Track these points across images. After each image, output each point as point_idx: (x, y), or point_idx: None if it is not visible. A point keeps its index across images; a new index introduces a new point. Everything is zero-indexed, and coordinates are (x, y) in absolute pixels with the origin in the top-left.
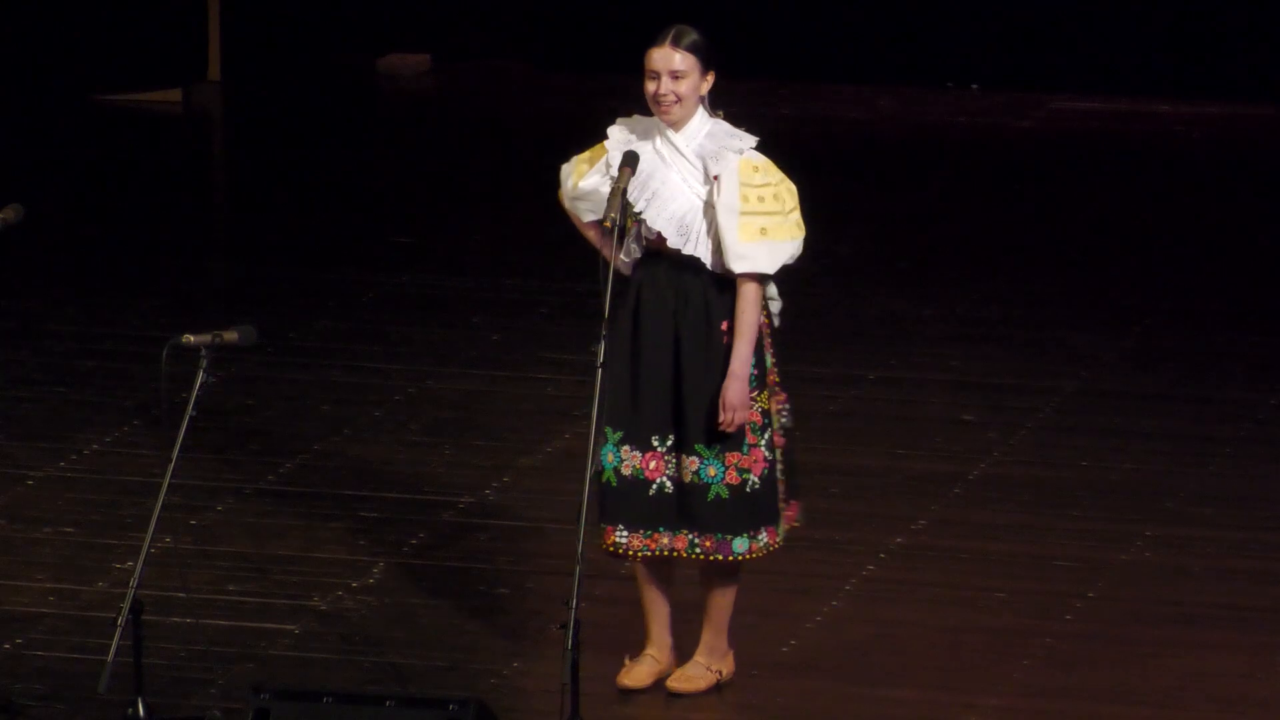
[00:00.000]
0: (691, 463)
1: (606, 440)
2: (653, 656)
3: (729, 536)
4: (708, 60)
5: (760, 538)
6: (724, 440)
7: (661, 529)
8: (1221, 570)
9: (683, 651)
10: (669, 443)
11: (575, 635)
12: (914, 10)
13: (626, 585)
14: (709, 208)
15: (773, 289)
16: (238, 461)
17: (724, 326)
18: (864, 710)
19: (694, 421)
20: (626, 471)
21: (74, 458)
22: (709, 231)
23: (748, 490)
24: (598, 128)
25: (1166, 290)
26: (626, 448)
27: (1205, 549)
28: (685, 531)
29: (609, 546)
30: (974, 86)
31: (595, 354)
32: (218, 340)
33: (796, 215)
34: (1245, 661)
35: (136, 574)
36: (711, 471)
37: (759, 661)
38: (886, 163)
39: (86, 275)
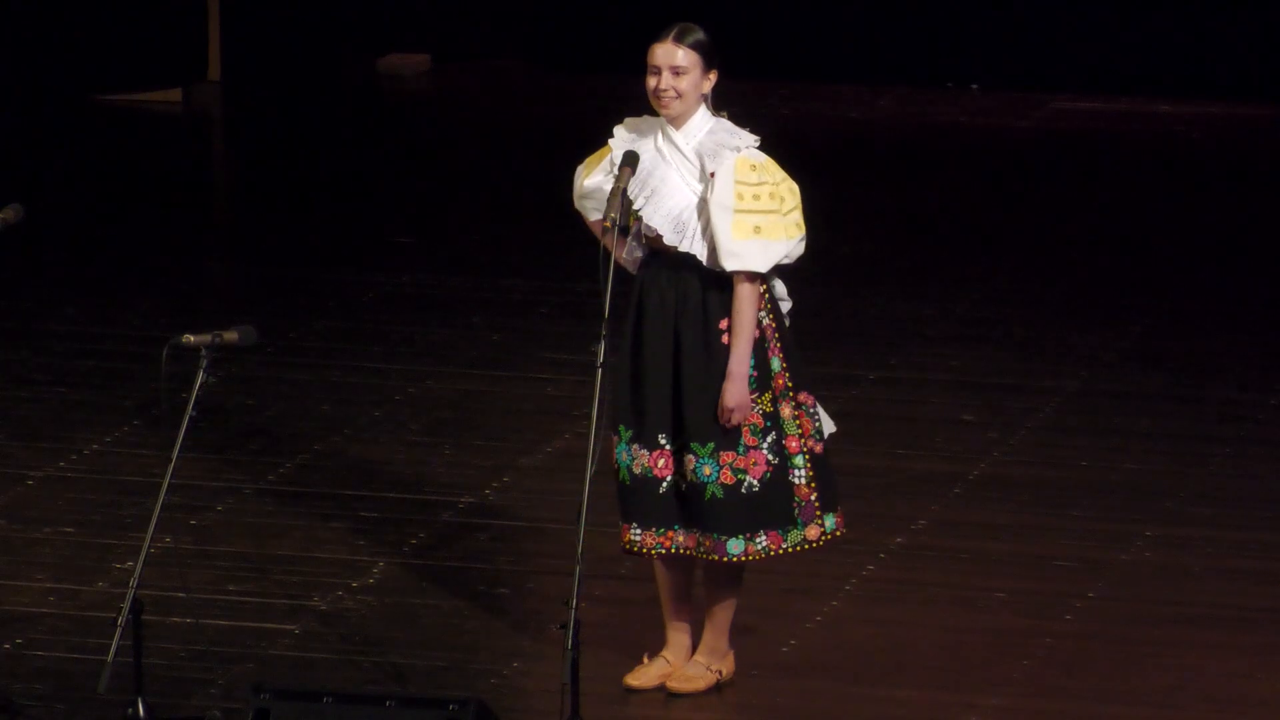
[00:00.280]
0: (689, 461)
1: (620, 439)
2: (665, 659)
3: (724, 537)
4: (710, 58)
5: (759, 541)
6: (719, 439)
7: (676, 527)
8: (1221, 570)
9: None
10: (675, 442)
11: (575, 635)
12: (914, 10)
13: (627, 585)
14: (704, 205)
15: (782, 289)
16: (238, 461)
17: (722, 325)
18: (864, 710)
19: (691, 420)
20: (637, 470)
21: (74, 458)
22: (705, 229)
23: (743, 491)
24: (597, 128)
25: (1166, 290)
26: (636, 446)
27: (1205, 549)
28: (694, 530)
29: (625, 545)
30: (974, 86)
31: (595, 354)
32: (218, 340)
33: (796, 215)
34: (1245, 661)
35: (136, 574)
36: (707, 470)
37: (759, 661)
38: (886, 163)
39: (86, 275)
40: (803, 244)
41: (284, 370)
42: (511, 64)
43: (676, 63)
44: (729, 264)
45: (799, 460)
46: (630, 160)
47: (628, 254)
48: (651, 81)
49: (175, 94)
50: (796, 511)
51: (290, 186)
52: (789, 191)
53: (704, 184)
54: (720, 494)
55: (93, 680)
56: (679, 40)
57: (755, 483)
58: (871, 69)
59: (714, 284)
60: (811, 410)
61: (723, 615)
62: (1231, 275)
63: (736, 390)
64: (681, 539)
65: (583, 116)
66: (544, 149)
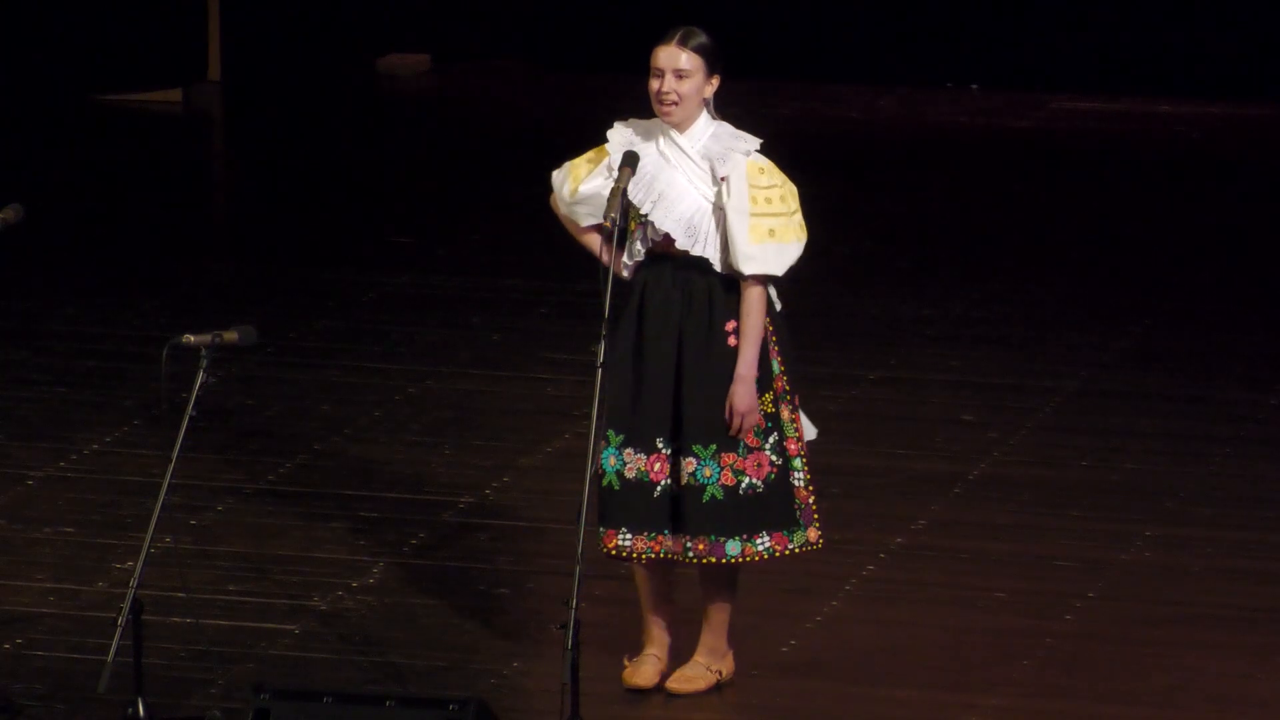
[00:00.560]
0: (689, 464)
1: (608, 444)
2: (655, 655)
3: (722, 538)
4: (713, 63)
5: (759, 542)
6: (720, 441)
7: (666, 532)
8: (1221, 570)
9: (682, 652)
10: (672, 445)
11: (575, 635)
12: (914, 10)
13: (627, 585)
14: (716, 209)
15: (773, 292)
16: (238, 461)
17: (728, 328)
18: (864, 710)
19: (692, 421)
20: (630, 475)
21: (74, 458)
22: (717, 232)
23: (742, 493)
24: (598, 127)
25: (1166, 290)
26: (630, 450)
27: (1205, 549)
28: (682, 535)
29: (611, 550)
30: (974, 86)
31: (595, 354)
32: (218, 340)
33: (799, 217)
34: (1245, 661)
35: (136, 574)
36: (707, 472)
37: (759, 661)
38: (886, 163)
39: (86, 275)
40: (804, 247)
41: (284, 370)
42: (511, 64)
43: (679, 66)
44: (748, 268)
45: (798, 463)
46: (630, 160)
47: (628, 257)
48: (654, 84)
49: (175, 94)
50: (798, 513)
51: (290, 186)
52: (791, 194)
53: (716, 188)
54: (720, 495)
55: (93, 680)
56: (682, 44)
57: (759, 483)
58: (871, 69)
59: (720, 286)
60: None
61: (720, 616)
62: (1231, 275)
63: (746, 393)
64: (669, 544)
65: (583, 116)
66: (544, 149)
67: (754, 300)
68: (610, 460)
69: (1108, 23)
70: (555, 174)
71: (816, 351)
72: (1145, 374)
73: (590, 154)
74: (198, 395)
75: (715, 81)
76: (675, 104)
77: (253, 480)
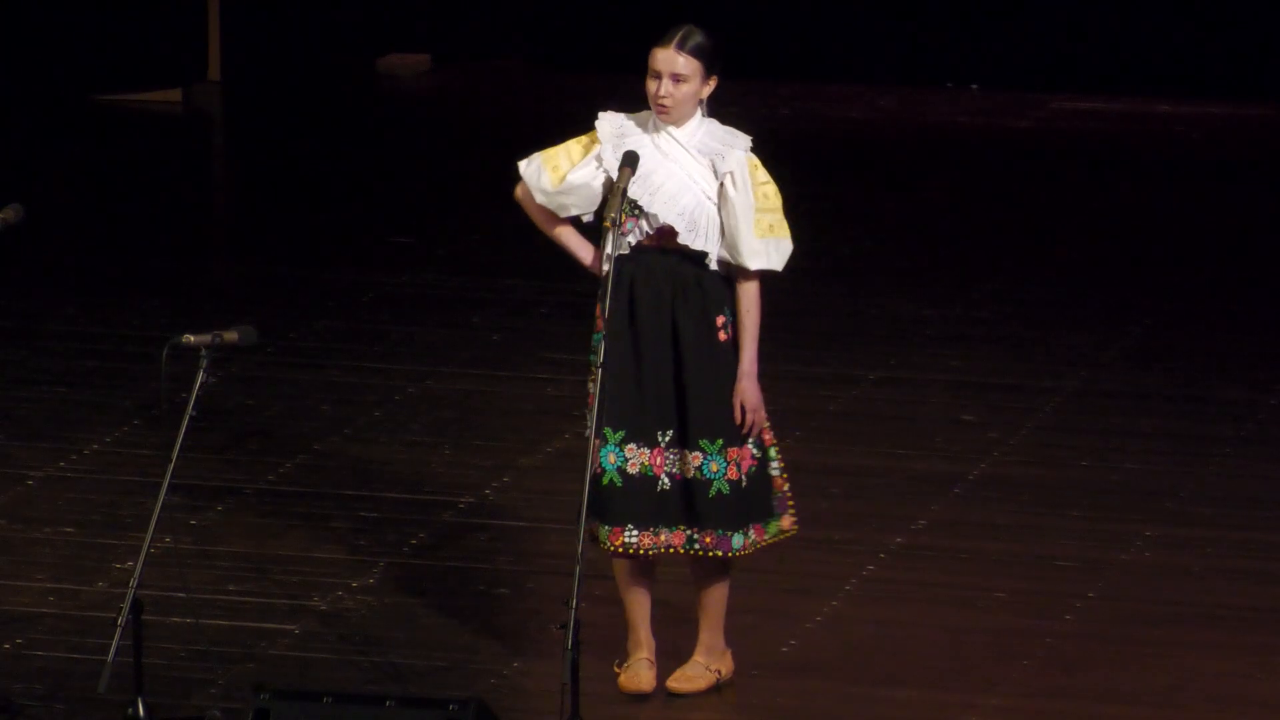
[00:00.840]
0: (695, 458)
1: (605, 442)
2: (648, 659)
3: (729, 533)
4: (711, 64)
5: (750, 534)
6: (726, 435)
7: (661, 525)
8: (1221, 570)
9: (681, 652)
10: (669, 436)
11: (575, 635)
12: (914, 10)
13: None
14: (713, 204)
15: None
16: (238, 461)
17: (719, 321)
18: (864, 710)
19: (696, 415)
20: (634, 470)
21: (74, 458)
22: (717, 226)
23: (744, 486)
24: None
25: (1166, 290)
26: (632, 446)
27: (1205, 549)
28: (683, 527)
29: (618, 547)
30: (974, 86)
31: (594, 352)
32: (218, 340)
33: (784, 216)
34: (1245, 661)
35: (136, 574)
36: (714, 467)
37: (759, 661)
38: (886, 163)
39: (86, 275)
40: None
41: (284, 370)
42: (511, 64)
43: (677, 70)
44: (754, 263)
45: (773, 452)
46: (630, 160)
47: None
48: (652, 86)
49: (175, 94)
50: (774, 503)
51: (290, 186)
52: (778, 193)
53: (716, 183)
54: (726, 490)
55: (93, 680)
56: (680, 47)
57: (745, 477)
58: (871, 69)
59: (709, 278)
60: None
61: (717, 612)
62: (1232, 275)
63: (753, 390)
64: (664, 538)
65: (582, 116)
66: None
67: (754, 296)
68: (610, 458)
69: (1108, 23)
70: (525, 166)
71: (816, 351)
72: (1145, 374)
73: (573, 143)
74: (198, 395)
75: (713, 82)
76: (670, 107)
77: (253, 480)
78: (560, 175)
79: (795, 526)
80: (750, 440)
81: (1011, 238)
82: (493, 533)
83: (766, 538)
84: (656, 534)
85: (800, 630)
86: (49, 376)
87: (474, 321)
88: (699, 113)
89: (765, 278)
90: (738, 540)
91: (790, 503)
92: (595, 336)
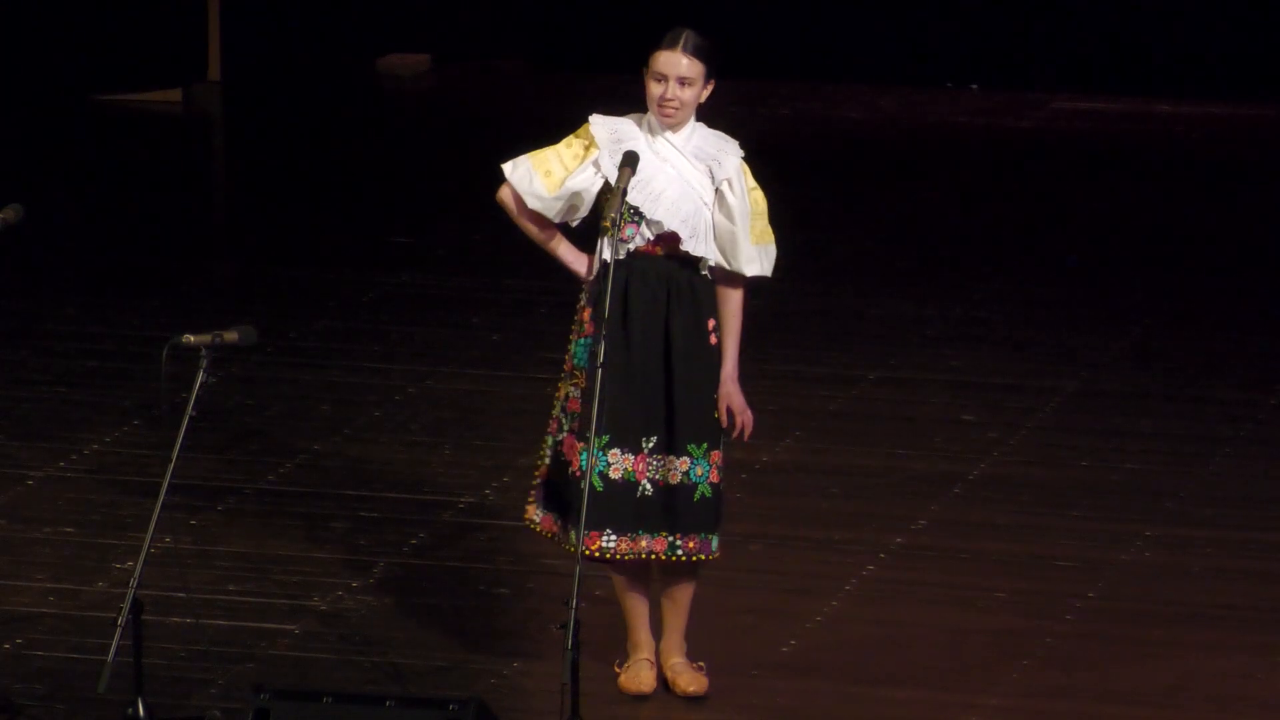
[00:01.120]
0: (682, 463)
1: (592, 445)
2: (648, 660)
3: (710, 536)
4: (713, 68)
5: (719, 536)
6: (710, 439)
7: (641, 531)
8: (1221, 570)
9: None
10: (654, 443)
11: (575, 635)
12: (914, 10)
13: None
14: (709, 209)
15: None
16: (238, 461)
17: (710, 325)
18: (864, 710)
19: (685, 420)
20: (616, 475)
21: (74, 458)
22: (714, 233)
23: (721, 489)
24: None
25: (1166, 290)
26: (616, 451)
27: (1205, 549)
28: (665, 534)
29: (594, 552)
30: (974, 86)
31: (595, 354)
32: (218, 340)
33: None
34: (1245, 661)
35: (136, 574)
36: (699, 471)
37: (759, 661)
38: (886, 163)
39: (86, 275)
40: None
41: (284, 370)
42: (511, 64)
43: (683, 73)
44: (750, 269)
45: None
46: (630, 160)
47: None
48: (657, 90)
49: (175, 94)
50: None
51: (290, 186)
52: (764, 198)
53: (715, 188)
54: (709, 494)
55: (93, 680)
56: (687, 50)
57: (719, 481)
58: (871, 69)
59: (701, 283)
60: None
61: (686, 610)
62: (1231, 275)
63: (739, 392)
64: (645, 544)
65: (582, 117)
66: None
67: (739, 303)
68: (593, 463)
69: (1108, 23)
70: (512, 170)
71: (816, 351)
72: (1145, 374)
73: (563, 148)
74: (197, 395)
75: (711, 85)
76: (677, 110)
77: (253, 480)
78: (557, 181)
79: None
80: (722, 445)
81: (1011, 238)
82: (493, 533)
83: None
84: (635, 540)
85: (800, 630)
86: (49, 376)
87: (474, 321)
88: (693, 117)
89: (753, 284)
90: (715, 543)
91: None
92: (580, 342)
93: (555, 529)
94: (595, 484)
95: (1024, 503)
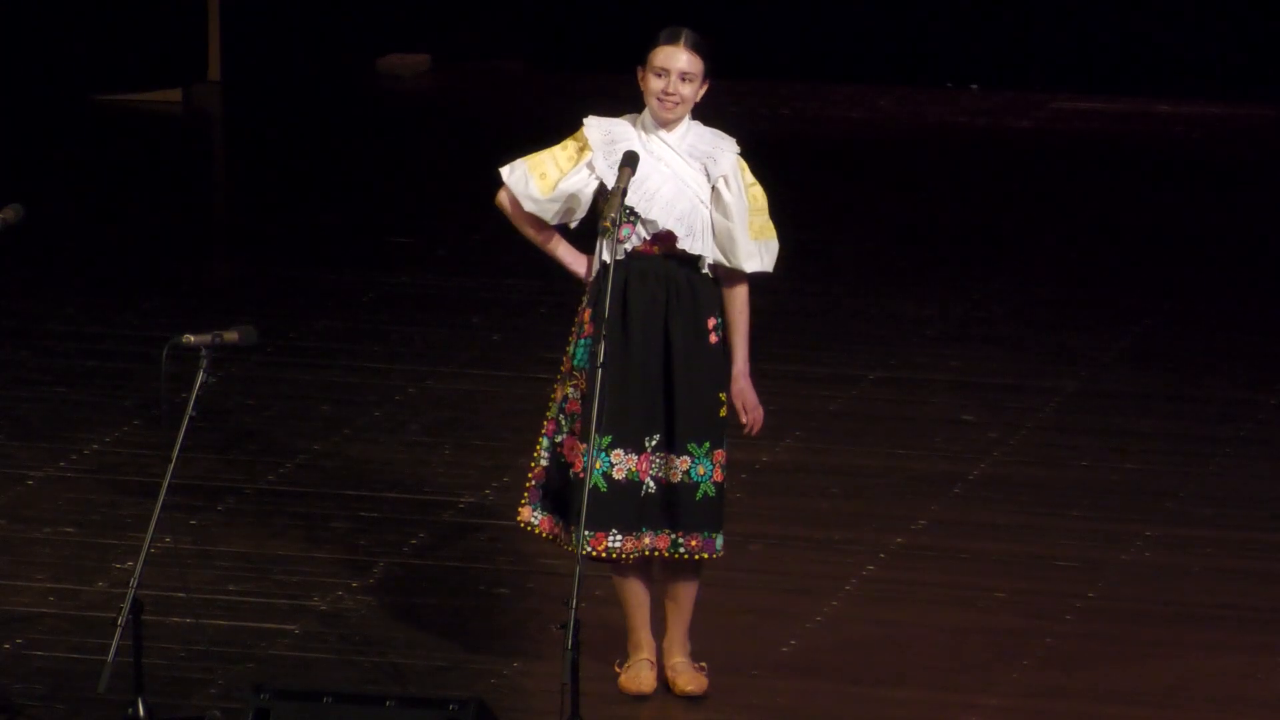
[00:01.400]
0: (683, 462)
1: (594, 446)
2: (649, 660)
3: (713, 534)
4: (711, 65)
5: (723, 535)
6: (713, 438)
7: (644, 529)
8: (1221, 570)
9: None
10: (655, 441)
11: (575, 635)
12: (914, 10)
13: None
14: (706, 207)
15: None
16: (238, 461)
17: (710, 324)
18: (864, 710)
19: (686, 419)
20: (620, 476)
21: (74, 458)
22: (711, 230)
23: (726, 489)
24: None
25: (1166, 290)
26: (619, 451)
27: (1205, 549)
28: (668, 531)
29: (600, 552)
30: (974, 86)
31: (595, 355)
32: (218, 340)
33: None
34: (1245, 661)
35: (136, 574)
36: (701, 470)
37: (759, 661)
38: (886, 163)
39: (86, 275)
40: None
41: (284, 370)
42: (511, 64)
43: (685, 68)
44: (750, 265)
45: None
46: (631, 160)
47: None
48: (658, 84)
49: (175, 94)
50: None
51: (290, 186)
52: (764, 194)
53: (709, 186)
54: (712, 492)
55: (93, 680)
56: (688, 46)
57: (723, 480)
58: (871, 69)
59: (700, 281)
60: None
61: (689, 609)
62: (1231, 275)
63: (751, 390)
64: (649, 541)
65: (582, 117)
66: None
67: (745, 297)
68: (596, 463)
69: (1108, 23)
70: (509, 173)
71: (816, 351)
72: (1145, 374)
73: (559, 150)
74: (198, 395)
75: (707, 85)
76: (678, 104)
77: (253, 480)
78: (550, 183)
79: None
80: (725, 444)
81: (1011, 238)
82: (493, 533)
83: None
84: (639, 538)
85: (800, 630)
86: (49, 376)
87: (474, 321)
88: (689, 115)
89: (757, 279)
90: (719, 541)
91: None
92: (580, 342)
93: (557, 530)
94: (599, 485)
95: (1024, 503)
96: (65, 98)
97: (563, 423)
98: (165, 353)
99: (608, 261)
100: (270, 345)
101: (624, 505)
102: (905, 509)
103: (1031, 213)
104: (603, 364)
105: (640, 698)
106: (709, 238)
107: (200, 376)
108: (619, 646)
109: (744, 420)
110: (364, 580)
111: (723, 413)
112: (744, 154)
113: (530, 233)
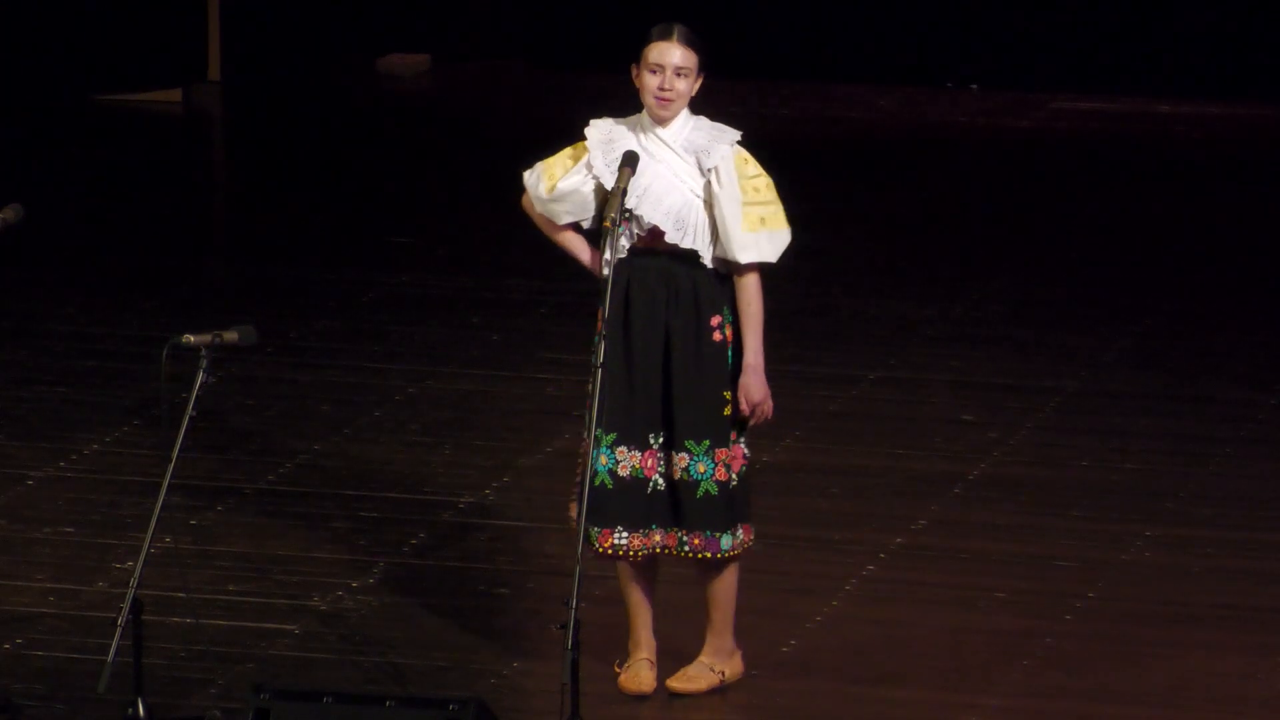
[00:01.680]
0: (681, 459)
1: (600, 443)
2: (648, 660)
3: (716, 534)
4: (705, 60)
5: (738, 534)
6: (714, 436)
7: (654, 526)
8: (1221, 570)
9: (683, 652)
10: (660, 439)
11: (575, 635)
12: (914, 10)
13: None
14: (704, 201)
15: None
16: (238, 461)
17: (713, 322)
18: (864, 710)
19: (683, 417)
20: (624, 472)
21: (74, 458)
22: (706, 224)
23: (731, 488)
24: None
25: (1166, 290)
26: (623, 449)
27: (1205, 549)
28: (675, 529)
29: (606, 549)
30: (974, 86)
31: (594, 354)
32: (218, 340)
33: (781, 206)
34: (1245, 661)
35: (136, 574)
36: (701, 468)
37: (759, 661)
38: (886, 163)
39: (86, 275)
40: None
41: (284, 370)
42: (511, 64)
43: (679, 63)
44: (744, 256)
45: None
46: (630, 160)
47: (609, 254)
48: (653, 81)
49: (175, 94)
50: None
51: (290, 186)
52: (771, 184)
53: (703, 180)
54: (714, 491)
55: (93, 680)
56: (682, 41)
57: (736, 477)
58: (871, 69)
59: (703, 279)
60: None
61: (723, 614)
62: (1231, 275)
63: (759, 383)
64: (659, 538)
65: (582, 116)
66: (544, 149)
67: (752, 289)
68: (601, 460)
69: (1108, 23)
70: (527, 174)
71: (816, 351)
72: (1145, 374)
73: (567, 151)
74: (197, 395)
75: (701, 80)
76: (672, 100)
77: (253, 480)
78: (553, 183)
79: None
80: (743, 440)
81: (1011, 238)
82: (493, 533)
83: (751, 537)
84: (645, 535)
85: (800, 630)
86: (49, 376)
87: (474, 321)
88: (686, 109)
89: (763, 271)
90: (726, 541)
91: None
92: (596, 338)
93: (587, 528)
94: (606, 482)
95: (1024, 503)
96: (65, 98)
97: (588, 420)
98: (165, 353)
99: (609, 260)
100: (270, 345)
101: (630, 503)
102: (905, 509)
103: (1031, 213)
104: (602, 363)
105: (640, 697)
106: (704, 232)
107: (200, 376)
108: (619, 646)
109: (744, 411)
110: (364, 580)
111: (727, 411)
112: (747, 144)
113: (547, 231)
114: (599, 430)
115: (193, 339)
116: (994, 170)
